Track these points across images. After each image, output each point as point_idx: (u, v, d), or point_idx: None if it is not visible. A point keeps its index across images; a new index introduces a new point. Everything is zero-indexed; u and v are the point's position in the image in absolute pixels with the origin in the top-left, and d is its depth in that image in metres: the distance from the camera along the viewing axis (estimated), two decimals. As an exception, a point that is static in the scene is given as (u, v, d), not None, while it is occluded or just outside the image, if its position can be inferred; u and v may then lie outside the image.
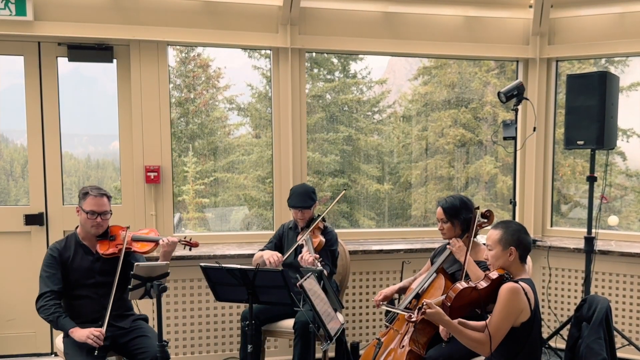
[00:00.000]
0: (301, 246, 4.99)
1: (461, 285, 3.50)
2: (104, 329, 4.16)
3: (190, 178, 7.24)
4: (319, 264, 4.65)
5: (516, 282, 3.49)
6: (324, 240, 5.12)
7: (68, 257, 4.36)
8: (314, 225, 5.13)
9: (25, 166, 6.08)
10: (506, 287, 3.45)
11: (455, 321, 3.52)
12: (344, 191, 5.64)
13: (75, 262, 4.36)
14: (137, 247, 4.45)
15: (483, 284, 3.52)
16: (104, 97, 6.78)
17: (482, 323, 3.60)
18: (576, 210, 7.77)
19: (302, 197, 5.17)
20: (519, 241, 3.60)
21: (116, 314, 4.37)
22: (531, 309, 3.47)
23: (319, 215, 5.26)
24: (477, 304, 3.56)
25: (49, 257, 4.33)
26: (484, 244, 4.32)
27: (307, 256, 4.78)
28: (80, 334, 4.11)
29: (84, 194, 4.33)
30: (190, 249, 4.72)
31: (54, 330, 5.89)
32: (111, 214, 4.43)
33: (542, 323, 6.17)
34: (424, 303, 3.46)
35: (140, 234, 4.57)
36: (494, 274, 3.56)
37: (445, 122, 8.07)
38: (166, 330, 5.59)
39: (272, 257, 5.00)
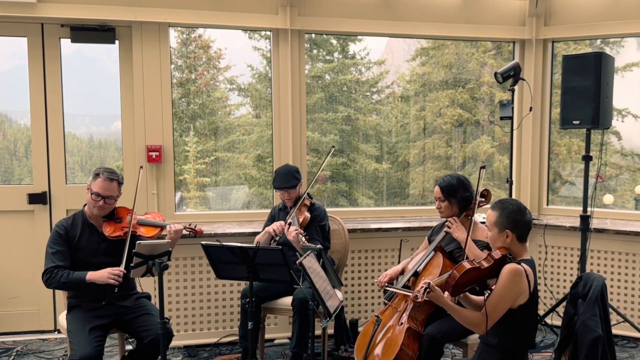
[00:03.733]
0: (290, 224, 5.05)
1: (466, 265, 3.49)
2: (122, 267, 4.24)
3: (191, 157, 7.27)
4: (303, 239, 4.73)
5: (518, 263, 3.49)
6: (309, 216, 5.22)
7: (75, 236, 4.38)
8: (300, 203, 5.22)
9: (29, 146, 6.13)
10: (509, 268, 3.45)
11: (451, 299, 3.58)
12: (332, 148, 5.65)
13: (82, 242, 4.39)
14: (142, 231, 4.50)
15: (486, 264, 3.52)
16: (106, 77, 6.80)
17: (482, 298, 3.65)
18: (572, 189, 7.83)
19: (286, 178, 5.24)
20: (514, 223, 3.54)
21: (120, 294, 4.40)
22: (530, 291, 3.49)
23: (306, 193, 5.35)
24: (477, 281, 3.58)
25: (55, 234, 4.35)
26: (482, 223, 4.40)
27: (291, 229, 4.88)
28: (100, 275, 4.19)
29: (95, 175, 4.35)
30: (194, 236, 4.78)
31: (57, 307, 5.99)
32: (117, 199, 4.45)
33: (539, 300, 6.28)
34: (429, 284, 3.50)
35: (146, 218, 4.63)
36: (496, 254, 3.54)
37: (443, 102, 8.10)
38: (167, 308, 5.66)
39: (274, 227, 5.09)
